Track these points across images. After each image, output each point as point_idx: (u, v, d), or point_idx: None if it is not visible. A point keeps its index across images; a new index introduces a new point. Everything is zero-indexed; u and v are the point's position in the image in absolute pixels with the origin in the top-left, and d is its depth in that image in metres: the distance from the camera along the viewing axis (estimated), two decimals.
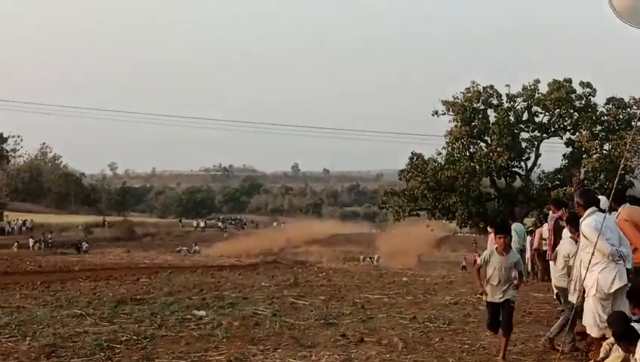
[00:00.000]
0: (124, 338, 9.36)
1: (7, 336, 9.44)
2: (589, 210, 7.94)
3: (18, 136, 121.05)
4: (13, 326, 10.30)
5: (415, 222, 47.53)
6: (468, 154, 42.54)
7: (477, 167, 41.45)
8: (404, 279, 19.45)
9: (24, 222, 71.28)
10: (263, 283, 17.63)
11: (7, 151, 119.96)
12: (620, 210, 9.16)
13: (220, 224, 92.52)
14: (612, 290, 7.60)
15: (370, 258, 42.06)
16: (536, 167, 44.50)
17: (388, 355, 8.59)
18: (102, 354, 8.36)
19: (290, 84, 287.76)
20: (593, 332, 7.77)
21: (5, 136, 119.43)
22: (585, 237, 7.82)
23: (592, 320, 7.72)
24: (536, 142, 44.09)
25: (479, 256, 10.74)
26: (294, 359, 8.21)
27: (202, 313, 11.91)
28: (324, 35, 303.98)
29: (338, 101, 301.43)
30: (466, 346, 9.35)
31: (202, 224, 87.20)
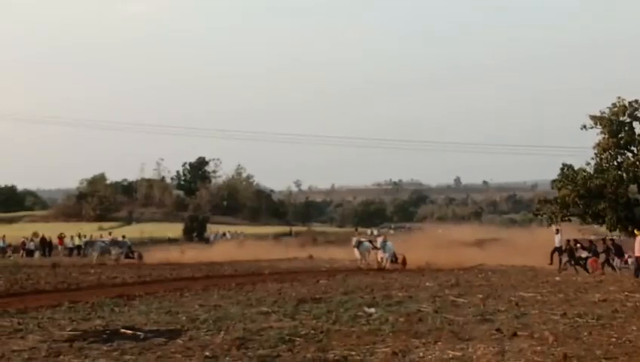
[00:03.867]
0: (303, 332, 9.44)
1: (205, 330, 9.73)
2: None
3: (218, 159, 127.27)
4: (211, 321, 10.61)
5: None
6: (616, 163, 40.66)
7: (624, 175, 39.62)
8: (557, 278, 18.74)
9: (224, 234, 73.76)
10: (427, 284, 17.43)
11: (208, 173, 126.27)
12: None
13: (391, 231, 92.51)
14: None
15: None
16: None
17: (539, 347, 8.24)
18: (284, 346, 8.45)
19: (451, 100, 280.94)
20: None
21: (207, 159, 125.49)
22: None
23: None
24: None
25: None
26: (453, 351, 8.01)
27: (372, 310, 11.88)
28: (486, 48, 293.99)
29: (495, 115, 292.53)
30: (613, 339, 8.86)
31: (375, 232, 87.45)
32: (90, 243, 40.40)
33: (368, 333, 9.37)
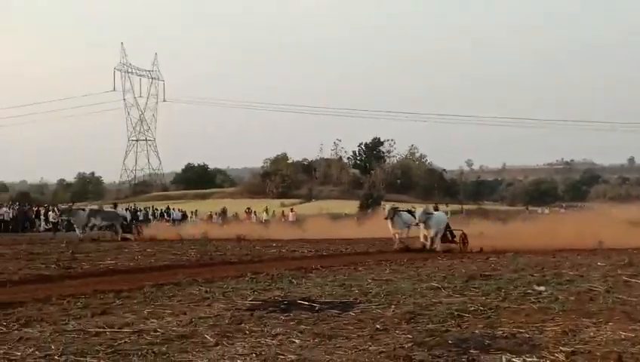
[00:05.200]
0: (472, 308, 9.22)
1: (376, 304, 9.73)
2: None
3: (392, 140, 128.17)
4: (382, 295, 10.61)
5: None
6: None
7: None
8: None
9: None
10: (599, 263, 16.56)
11: (383, 153, 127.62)
12: None
13: (562, 210, 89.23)
14: None
15: None
16: None
17: None
18: (452, 321, 8.29)
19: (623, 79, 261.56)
20: None
21: (382, 140, 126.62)
22: None
23: None
24: None
25: None
26: (625, 332, 7.52)
27: (542, 288, 11.41)
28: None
29: None
30: None
31: (547, 211, 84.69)
32: (74, 213, 33.28)
33: (537, 311, 9.01)
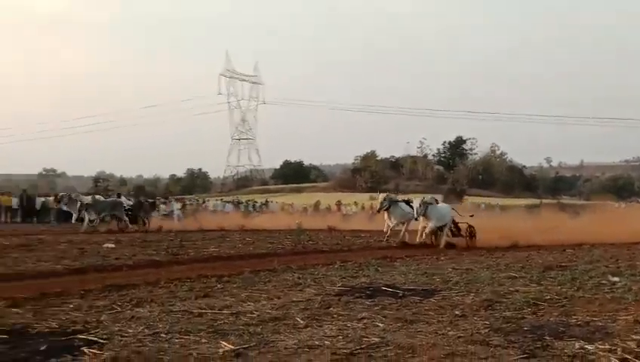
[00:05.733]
0: (548, 297, 8.97)
1: (456, 291, 9.61)
2: None
3: (474, 139, 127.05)
4: (462, 283, 10.47)
5: None
6: None
7: None
8: None
9: (479, 205, 72.72)
10: None
11: (465, 150, 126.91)
12: None
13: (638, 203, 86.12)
14: None
15: None
16: None
17: None
18: (528, 309, 8.09)
19: None
20: None
21: (464, 138, 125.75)
22: None
23: None
24: None
25: None
26: None
27: (616, 279, 11.01)
28: None
29: None
30: None
31: (623, 205, 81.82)
32: (72, 202, 28.36)
33: (611, 301, 8.69)
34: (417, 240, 20.07)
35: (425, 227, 19.91)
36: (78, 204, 27.32)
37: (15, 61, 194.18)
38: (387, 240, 20.72)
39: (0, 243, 18.68)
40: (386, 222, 21.17)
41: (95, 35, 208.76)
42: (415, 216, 20.01)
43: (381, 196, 21.51)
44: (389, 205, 20.75)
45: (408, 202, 21.38)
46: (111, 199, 30.62)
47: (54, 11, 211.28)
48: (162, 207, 43.08)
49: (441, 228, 20.29)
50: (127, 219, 28.52)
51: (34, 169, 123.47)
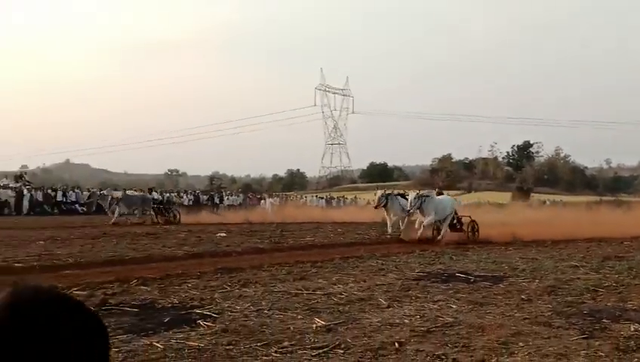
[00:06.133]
0: (606, 284, 9.15)
1: (522, 278, 9.88)
2: None
3: (540, 143, 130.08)
4: (528, 271, 10.73)
5: None
6: None
7: None
8: None
9: (544, 201, 71.30)
10: None
11: (532, 153, 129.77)
12: None
13: None
14: None
15: None
16: None
17: None
18: (588, 294, 8.30)
19: None
20: None
21: (531, 142, 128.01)
22: None
23: None
24: None
25: None
26: None
27: None
28: None
29: None
30: None
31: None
32: (103, 197, 29.31)
33: None
34: (417, 235, 17.99)
35: (422, 222, 18.01)
36: (109, 198, 27.35)
37: (160, 85, 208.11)
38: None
39: (132, 232, 19.99)
40: (386, 218, 19.96)
41: (214, 58, 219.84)
42: (409, 209, 18.20)
43: (379, 193, 19.96)
44: (387, 201, 19.22)
45: (404, 196, 19.85)
46: (141, 194, 29.79)
47: (186, 37, 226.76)
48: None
49: (441, 222, 18.67)
50: (153, 213, 28.21)
51: (161, 170, 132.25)
